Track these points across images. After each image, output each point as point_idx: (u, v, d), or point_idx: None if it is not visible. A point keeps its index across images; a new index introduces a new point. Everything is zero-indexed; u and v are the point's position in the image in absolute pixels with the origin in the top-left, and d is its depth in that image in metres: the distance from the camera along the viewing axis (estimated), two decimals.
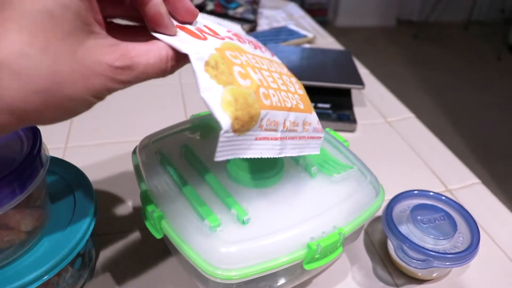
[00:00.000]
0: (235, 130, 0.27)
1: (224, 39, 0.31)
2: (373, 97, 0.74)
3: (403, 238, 0.39)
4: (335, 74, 0.69)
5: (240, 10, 0.98)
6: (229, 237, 0.31)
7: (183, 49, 0.27)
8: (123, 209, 0.48)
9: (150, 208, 0.33)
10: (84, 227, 0.36)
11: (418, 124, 0.68)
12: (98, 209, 0.39)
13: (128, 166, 0.54)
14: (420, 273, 0.42)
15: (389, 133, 0.65)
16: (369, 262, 0.44)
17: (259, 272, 0.30)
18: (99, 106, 0.65)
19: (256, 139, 0.29)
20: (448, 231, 0.41)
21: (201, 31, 0.30)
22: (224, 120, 0.26)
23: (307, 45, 0.91)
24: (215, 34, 0.31)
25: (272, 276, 0.34)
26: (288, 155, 0.33)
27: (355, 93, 0.73)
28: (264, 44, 0.86)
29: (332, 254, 0.33)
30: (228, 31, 0.34)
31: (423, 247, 0.38)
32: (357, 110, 0.69)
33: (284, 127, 0.31)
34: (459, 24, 3.59)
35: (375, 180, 0.38)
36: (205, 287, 0.35)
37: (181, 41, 0.27)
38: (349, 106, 0.66)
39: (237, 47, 0.31)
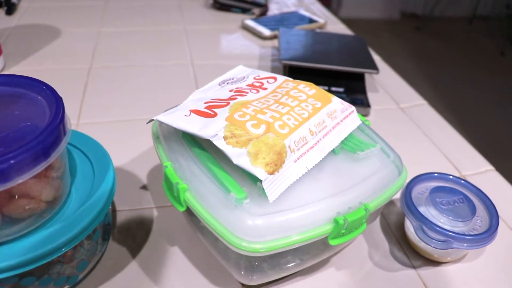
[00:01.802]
0: (271, 173, 0.31)
1: (229, 103, 0.36)
2: (386, 83, 0.73)
3: (423, 219, 0.39)
4: (349, 59, 0.68)
5: None
6: (255, 210, 0.31)
7: (202, 135, 0.33)
8: (138, 186, 0.48)
9: (173, 180, 0.33)
10: (103, 199, 0.35)
11: (431, 111, 0.67)
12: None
13: (141, 143, 0.54)
14: (436, 255, 0.41)
15: (402, 119, 0.64)
16: (386, 243, 0.43)
17: (285, 245, 0.30)
18: (110, 83, 0.65)
19: (295, 161, 0.33)
20: (466, 214, 0.41)
21: (209, 107, 0.36)
22: (259, 172, 0.30)
23: (318, 31, 0.90)
24: (220, 102, 0.37)
25: (295, 252, 0.34)
26: (333, 147, 0.36)
27: (367, 79, 0.73)
28: (275, 28, 0.85)
29: (357, 230, 0.33)
30: (231, 90, 0.39)
31: (443, 228, 0.38)
32: (370, 96, 0.68)
33: (312, 134, 0.34)
34: (463, 19, 3.57)
35: (398, 159, 0.38)
36: (226, 262, 0.35)
37: (197, 127, 0.33)
38: (362, 90, 0.65)
39: (242, 103, 0.36)
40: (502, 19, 3.47)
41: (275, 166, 0.31)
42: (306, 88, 0.38)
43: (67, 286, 0.36)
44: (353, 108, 0.39)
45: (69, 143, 0.42)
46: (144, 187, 0.47)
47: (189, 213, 0.36)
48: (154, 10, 0.98)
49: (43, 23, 0.87)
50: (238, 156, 0.31)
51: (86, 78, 0.68)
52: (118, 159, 0.51)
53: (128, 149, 0.53)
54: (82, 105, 0.61)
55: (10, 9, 0.90)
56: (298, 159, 0.33)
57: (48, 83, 0.36)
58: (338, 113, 0.37)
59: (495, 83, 2.63)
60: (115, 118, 0.59)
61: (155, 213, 0.44)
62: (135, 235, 0.42)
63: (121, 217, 0.43)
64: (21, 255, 0.30)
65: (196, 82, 0.69)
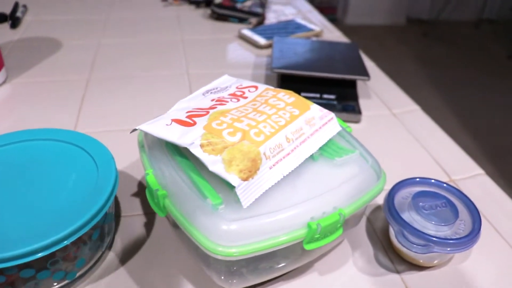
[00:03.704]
0: (245, 179, 0.32)
1: (208, 112, 0.38)
2: (379, 90, 0.74)
3: (403, 223, 0.39)
4: (341, 66, 0.69)
5: (248, 3, 0.99)
6: (231, 216, 0.31)
7: (181, 143, 0.34)
8: (130, 193, 0.49)
9: (154, 186, 0.34)
10: (103, 199, 0.36)
11: (424, 117, 0.68)
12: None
13: (135, 152, 0.55)
14: (421, 260, 0.42)
15: (394, 125, 0.65)
16: (371, 248, 0.44)
17: (259, 249, 0.31)
18: (107, 93, 0.66)
19: (270, 168, 0.34)
20: (449, 217, 0.41)
21: (190, 116, 0.37)
22: (232, 179, 0.31)
23: (313, 39, 0.91)
24: (200, 111, 0.38)
25: (273, 256, 0.35)
26: (311, 153, 0.37)
27: (360, 86, 0.73)
28: (271, 37, 0.86)
29: (332, 235, 0.34)
30: (212, 100, 0.41)
31: (423, 232, 0.39)
32: (362, 102, 0.69)
33: (288, 141, 0.35)
34: (469, 23, 3.56)
35: (377, 164, 0.39)
36: (207, 267, 0.36)
37: (176, 135, 0.35)
38: (354, 97, 0.66)
39: (221, 112, 0.38)
40: (509, 22, 3.45)
41: (249, 172, 0.32)
42: (286, 96, 0.39)
43: (66, 281, 0.37)
44: (332, 115, 0.39)
45: (72, 143, 0.43)
46: (136, 194, 0.49)
47: (171, 217, 0.37)
48: (154, 22, 1.00)
49: (46, 36, 0.89)
50: (214, 163, 0.32)
51: (85, 88, 0.70)
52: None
53: (122, 157, 0.54)
54: (80, 115, 0.62)
55: (15, 23, 0.92)
56: (273, 165, 0.34)
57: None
58: (316, 120, 0.38)
59: (503, 87, 2.61)
60: (111, 127, 0.60)
61: (144, 219, 0.45)
62: (128, 240, 0.43)
63: (123, 222, 0.45)
64: (22, 246, 0.31)
65: (191, 91, 0.70)
